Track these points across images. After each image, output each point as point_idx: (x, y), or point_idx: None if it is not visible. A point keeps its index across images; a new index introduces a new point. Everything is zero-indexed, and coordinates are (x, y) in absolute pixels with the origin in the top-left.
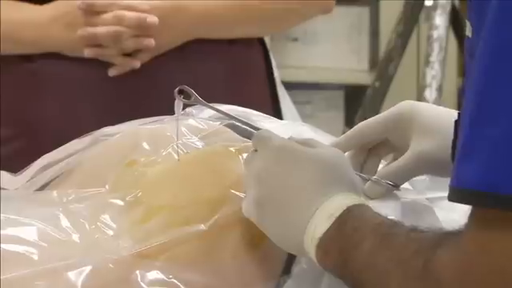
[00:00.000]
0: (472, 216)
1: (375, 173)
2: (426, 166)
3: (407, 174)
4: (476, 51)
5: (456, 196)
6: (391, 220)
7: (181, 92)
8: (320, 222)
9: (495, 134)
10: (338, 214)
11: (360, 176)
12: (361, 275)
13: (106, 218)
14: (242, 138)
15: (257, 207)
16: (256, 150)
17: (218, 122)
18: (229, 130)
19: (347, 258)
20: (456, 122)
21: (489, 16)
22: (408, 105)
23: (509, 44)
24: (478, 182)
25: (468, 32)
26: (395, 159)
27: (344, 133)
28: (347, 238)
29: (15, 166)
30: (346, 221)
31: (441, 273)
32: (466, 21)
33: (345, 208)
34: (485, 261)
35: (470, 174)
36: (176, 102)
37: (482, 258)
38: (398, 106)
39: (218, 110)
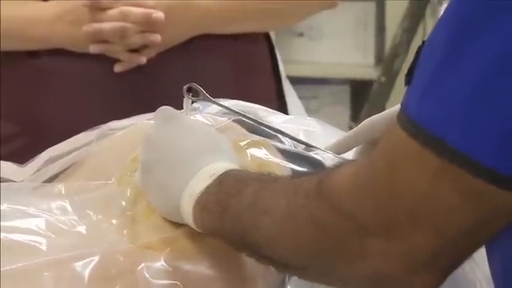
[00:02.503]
0: (390, 137)
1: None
2: None
3: None
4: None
5: (404, 121)
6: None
7: (189, 89)
8: (200, 181)
9: (453, 80)
10: (219, 174)
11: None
12: (243, 220)
13: (112, 210)
14: (249, 133)
15: (143, 172)
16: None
17: (226, 118)
18: (236, 125)
19: (226, 206)
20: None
21: None
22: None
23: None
24: (427, 115)
25: None
26: None
27: (350, 127)
28: (227, 190)
29: (21, 162)
30: (226, 178)
31: (335, 184)
32: None
33: (224, 169)
34: (388, 181)
35: (425, 112)
36: (185, 99)
37: (385, 177)
38: None
39: (225, 107)
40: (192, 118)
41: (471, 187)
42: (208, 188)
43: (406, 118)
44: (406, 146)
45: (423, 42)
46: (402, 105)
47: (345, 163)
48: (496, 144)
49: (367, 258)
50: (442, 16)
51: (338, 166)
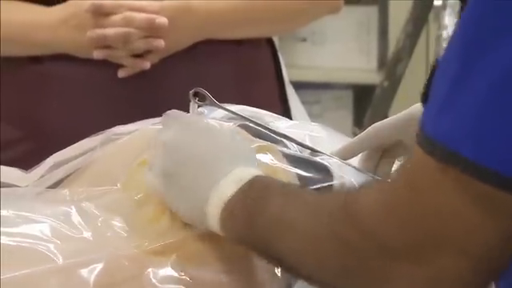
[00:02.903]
0: (414, 159)
1: (389, 174)
2: None
3: None
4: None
5: (423, 140)
6: (298, 184)
7: (195, 94)
8: (227, 187)
9: (468, 96)
10: (243, 181)
11: (374, 178)
12: (268, 231)
13: (117, 216)
14: (254, 138)
15: (163, 178)
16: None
17: (231, 123)
18: (242, 130)
19: (254, 216)
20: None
21: None
22: (422, 107)
23: (489, 12)
24: (447, 137)
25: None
26: None
27: (353, 132)
28: (255, 198)
29: (23, 167)
30: (252, 185)
31: (359, 205)
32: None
33: (250, 176)
34: (411, 201)
35: (444, 127)
36: (191, 104)
37: (408, 197)
38: (411, 108)
39: (232, 112)
40: (208, 121)
41: (492, 201)
42: (235, 195)
43: (423, 136)
44: (424, 163)
45: (436, 60)
46: (419, 123)
47: (370, 182)
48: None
49: (391, 281)
50: (452, 35)
51: (363, 185)
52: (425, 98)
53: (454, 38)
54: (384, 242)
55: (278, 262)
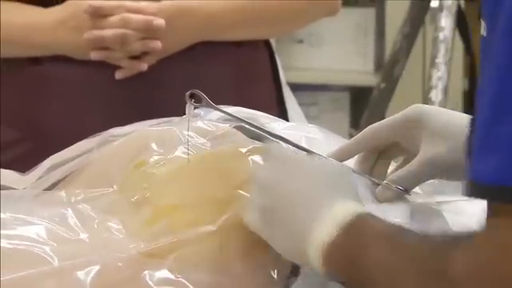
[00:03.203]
0: (488, 214)
1: (385, 176)
2: (438, 170)
3: (418, 178)
4: (491, 50)
5: (473, 190)
6: (401, 226)
7: (192, 96)
8: (326, 228)
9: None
10: (345, 220)
11: (370, 180)
12: (370, 278)
13: (114, 217)
14: (250, 139)
15: (261, 216)
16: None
17: (227, 124)
18: (237, 131)
19: (356, 261)
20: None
21: (502, 16)
22: (418, 108)
23: None
24: (495, 176)
25: (483, 31)
26: (405, 162)
27: (350, 134)
28: (356, 242)
29: (22, 168)
30: (354, 226)
31: (456, 273)
32: (481, 20)
33: (352, 214)
34: (501, 261)
35: (488, 169)
36: (187, 105)
37: (497, 257)
38: (408, 110)
39: (228, 114)
40: (304, 156)
41: None
42: (335, 238)
43: (485, 187)
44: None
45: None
46: (471, 177)
47: (466, 244)
48: None
49: None
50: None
51: (452, 243)
52: (469, 149)
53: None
54: None
55: None
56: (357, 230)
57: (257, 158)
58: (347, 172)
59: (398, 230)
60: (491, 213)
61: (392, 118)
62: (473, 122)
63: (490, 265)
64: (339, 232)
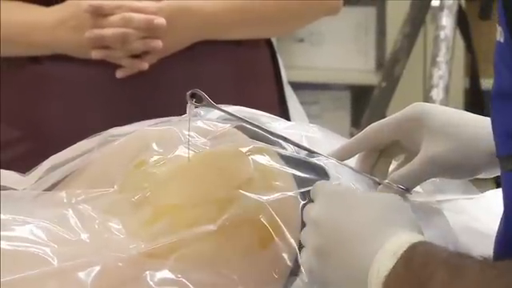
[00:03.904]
0: None
1: (386, 174)
2: (439, 169)
3: (419, 177)
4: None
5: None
6: (460, 252)
7: (193, 95)
8: (384, 261)
9: None
10: (401, 251)
11: (371, 179)
12: None
13: (114, 218)
14: (251, 139)
15: (317, 256)
16: (313, 201)
17: (227, 124)
18: (238, 131)
19: None
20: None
21: None
22: (419, 107)
23: None
24: None
25: (499, 37)
26: (407, 160)
27: (351, 133)
28: (416, 274)
29: (22, 167)
30: (412, 257)
31: None
32: (498, 25)
33: (408, 245)
34: None
35: None
36: (188, 105)
37: None
38: (408, 108)
39: (229, 113)
40: (356, 190)
41: None
42: (393, 271)
43: None
44: None
45: None
46: None
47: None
48: None
49: None
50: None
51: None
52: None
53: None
54: None
55: None
56: (417, 259)
57: (257, 158)
58: (400, 202)
59: (460, 256)
60: None
61: (393, 116)
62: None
63: None
64: (396, 264)
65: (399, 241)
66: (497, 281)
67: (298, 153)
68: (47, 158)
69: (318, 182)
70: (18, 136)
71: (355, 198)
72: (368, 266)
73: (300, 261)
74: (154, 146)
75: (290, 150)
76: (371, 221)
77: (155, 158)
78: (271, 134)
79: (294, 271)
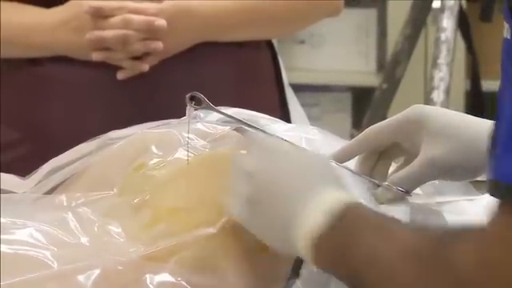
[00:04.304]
0: (502, 211)
1: (385, 176)
2: (439, 171)
3: (419, 179)
4: None
5: (496, 190)
6: (393, 217)
7: (192, 98)
8: (314, 218)
9: None
10: (333, 209)
11: (371, 181)
12: (361, 271)
13: (114, 221)
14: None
15: (247, 205)
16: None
17: (227, 127)
18: (237, 134)
19: (345, 253)
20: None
21: None
22: (419, 109)
23: None
24: None
25: (506, 33)
26: (406, 163)
27: (351, 135)
28: (346, 233)
29: (23, 169)
30: (344, 216)
31: (460, 264)
32: (505, 22)
33: (340, 203)
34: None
35: (509, 169)
36: (188, 107)
37: (507, 253)
38: (408, 110)
39: (228, 116)
40: (290, 145)
41: None
42: (324, 227)
43: (505, 186)
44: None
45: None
46: (493, 173)
47: (463, 233)
48: None
49: None
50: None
51: (460, 232)
52: (493, 146)
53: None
54: None
55: None
56: (347, 219)
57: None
58: (331, 164)
59: (392, 220)
60: (506, 211)
61: (393, 118)
62: (496, 122)
63: (502, 262)
64: (328, 220)
65: (330, 198)
66: (431, 243)
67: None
68: (47, 159)
69: (249, 133)
70: (18, 138)
71: (290, 152)
72: (298, 218)
73: (227, 210)
74: (154, 149)
75: None
76: (304, 175)
77: (155, 160)
78: (270, 136)
79: (294, 274)
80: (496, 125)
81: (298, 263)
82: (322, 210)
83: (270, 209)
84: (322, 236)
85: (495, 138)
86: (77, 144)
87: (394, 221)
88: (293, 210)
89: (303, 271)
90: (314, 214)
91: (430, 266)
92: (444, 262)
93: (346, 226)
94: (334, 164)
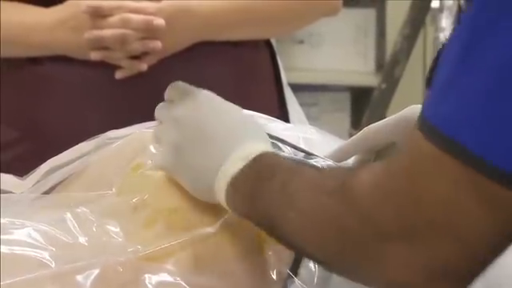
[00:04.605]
0: (412, 145)
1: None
2: None
3: None
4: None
5: (423, 126)
6: (306, 160)
7: None
8: (234, 163)
9: (468, 82)
10: (252, 156)
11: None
12: (271, 208)
13: (112, 220)
14: None
15: (173, 152)
16: (172, 101)
17: None
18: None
19: (257, 191)
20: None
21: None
22: (415, 109)
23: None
24: (442, 118)
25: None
26: None
27: (350, 134)
28: (259, 173)
29: (22, 168)
30: (261, 160)
31: (357, 188)
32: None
33: (259, 151)
34: (408, 186)
35: (438, 110)
36: None
37: (405, 182)
38: (405, 111)
39: None
40: (217, 97)
41: (489, 192)
42: (242, 170)
43: (422, 120)
44: (424, 149)
45: (443, 45)
46: (421, 108)
47: (367, 165)
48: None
49: (386, 264)
50: (458, 21)
51: (360, 168)
52: (428, 82)
53: (459, 24)
54: (381, 226)
55: (282, 239)
56: (261, 164)
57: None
58: (255, 118)
59: (303, 162)
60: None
61: (390, 118)
62: (441, 62)
63: (400, 187)
64: (244, 167)
65: (250, 147)
66: (330, 173)
67: (295, 155)
68: (47, 159)
69: (174, 84)
70: (18, 137)
71: (218, 104)
72: (218, 166)
73: (154, 160)
74: (152, 149)
75: (287, 152)
76: (229, 126)
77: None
78: (268, 136)
79: (292, 273)
80: (439, 65)
81: (297, 262)
82: (239, 157)
83: (193, 156)
84: (236, 179)
85: (434, 77)
86: (76, 143)
87: (305, 163)
88: (216, 159)
89: (302, 270)
90: (232, 161)
91: (328, 193)
92: (341, 189)
93: (260, 169)
94: (255, 120)
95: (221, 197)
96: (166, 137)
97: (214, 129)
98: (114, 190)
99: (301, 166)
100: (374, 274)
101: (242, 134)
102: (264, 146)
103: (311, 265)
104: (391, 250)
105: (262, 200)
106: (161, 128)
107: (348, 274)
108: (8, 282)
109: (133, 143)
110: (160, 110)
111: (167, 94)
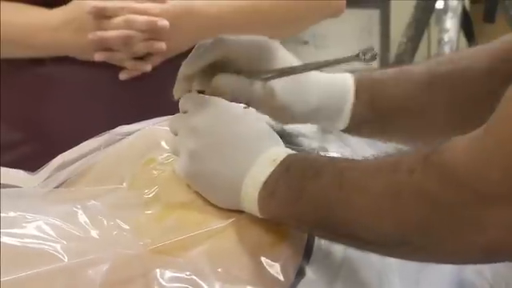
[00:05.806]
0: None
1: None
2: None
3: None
4: None
5: None
6: (340, 157)
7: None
8: (263, 168)
9: None
10: (281, 159)
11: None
12: (323, 199)
13: (124, 214)
14: None
15: (193, 161)
16: (185, 112)
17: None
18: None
19: (302, 189)
20: None
21: None
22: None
23: None
24: None
25: None
26: None
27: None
28: (301, 173)
29: (24, 169)
30: (292, 162)
31: (448, 158)
32: None
33: (285, 154)
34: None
35: None
36: None
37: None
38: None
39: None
40: (237, 106)
41: None
42: (274, 174)
43: None
44: None
45: None
46: None
47: (456, 138)
48: None
49: (486, 229)
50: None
51: (444, 143)
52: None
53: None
54: (484, 192)
55: (334, 231)
56: (297, 164)
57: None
58: (271, 128)
59: (347, 158)
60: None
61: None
62: None
63: (504, 147)
64: (274, 170)
65: (276, 151)
66: (402, 162)
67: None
68: (49, 159)
69: (188, 95)
70: (20, 137)
71: (236, 111)
72: (244, 172)
73: (175, 168)
74: (164, 144)
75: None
76: (248, 132)
77: (165, 155)
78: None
79: (302, 270)
80: None
81: (305, 261)
82: (269, 161)
83: (217, 164)
84: (269, 183)
85: None
86: (79, 144)
87: (350, 158)
88: (239, 166)
89: (310, 268)
90: (261, 165)
91: (413, 170)
92: (430, 161)
93: (299, 168)
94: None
95: (251, 203)
96: (184, 147)
97: (235, 136)
98: (125, 184)
99: (344, 159)
100: (465, 241)
101: (264, 139)
102: (284, 149)
103: (318, 265)
104: (493, 215)
105: (311, 194)
106: (178, 139)
107: (423, 250)
108: (20, 275)
109: (144, 138)
110: (175, 121)
111: (181, 105)
